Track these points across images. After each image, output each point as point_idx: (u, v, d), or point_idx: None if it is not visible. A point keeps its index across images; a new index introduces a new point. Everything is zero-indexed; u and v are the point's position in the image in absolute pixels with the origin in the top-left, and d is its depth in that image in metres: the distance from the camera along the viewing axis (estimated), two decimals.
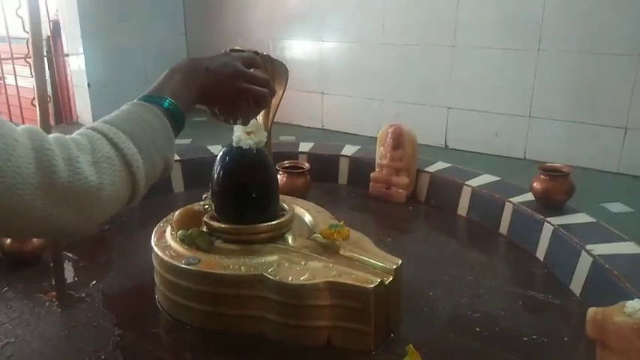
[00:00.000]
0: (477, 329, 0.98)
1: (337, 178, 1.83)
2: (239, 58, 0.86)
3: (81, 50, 3.40)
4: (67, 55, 3.54)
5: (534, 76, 2.50)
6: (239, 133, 1.04)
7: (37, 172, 0.51)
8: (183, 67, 0.79)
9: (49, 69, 3.53)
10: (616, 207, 1.90)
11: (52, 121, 3.68)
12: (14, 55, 3.30)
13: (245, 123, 0.93)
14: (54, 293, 1.09)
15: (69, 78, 3.59)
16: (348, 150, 1.86)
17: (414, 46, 2.85)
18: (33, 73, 1.18)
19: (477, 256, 1.30)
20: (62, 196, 0.53)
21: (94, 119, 2.64)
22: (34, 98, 3.47)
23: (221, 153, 1.06)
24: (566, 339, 0.95)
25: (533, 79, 2.49)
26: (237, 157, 1.04)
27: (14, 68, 3.32)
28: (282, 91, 1.08)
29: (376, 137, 1.62)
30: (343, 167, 1.82)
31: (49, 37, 3.56)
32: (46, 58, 3.74)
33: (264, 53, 1.04)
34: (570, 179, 1.30)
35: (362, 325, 0.90)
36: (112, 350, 0.92)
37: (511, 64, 2.56)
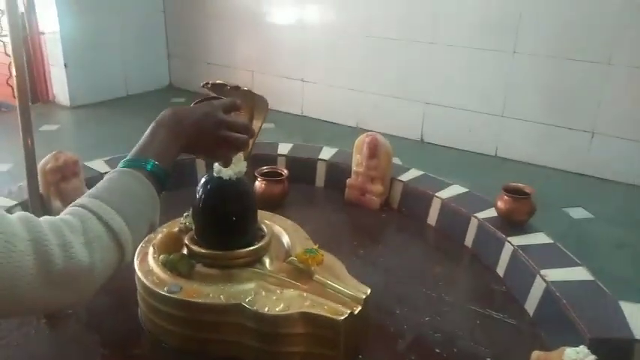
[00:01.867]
0: (437, 350, 1.07)
1: (315, 180, 1.88)
2: (220, 106, 0.90)
3: (57, 29, 3.33)
4: (43, 33, 3.47)
5: (508, 77, 2.57)
6: (219, 164, 1.08)
7: (35, 263, 0.56)
8: (167, 122, 0.83)
9: (24, 47, 3.42)
10: (577, 212, 2.00)
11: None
12: None
13: (226, 165, 0.98)
14: None
15: (45, 56, 3.52)
16: (326, 153, 1.91)
17: (393, 40, 2.88)
18: (10, 53, 1.18)
19: (442, 271, 1.39)
20: (59, 281, 0.58)
21: (71, 100, 2.68)
22: (9, 77, 3.42)
23: (203, 180, 1.11)
24: None
25: (506, 80, 2.57)
26: (218, 187, 1.09)
27: None
28: (260, 124, 1.13)
29: (354, 127, 1.66)
30: (320, 171, 1.87)
31: (22, 13, 3.46)
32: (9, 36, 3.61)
33: (245, 88, 1.08)
34: (532, 200, 1.38)
35: (332, 352, 0.98)
36: None
37: (487, 64, 2.62)
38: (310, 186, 1.87)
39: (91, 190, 0.71)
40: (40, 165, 1.46)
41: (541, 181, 1.34)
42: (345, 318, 0.96)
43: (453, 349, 1.08)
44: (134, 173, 0.75)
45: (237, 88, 1.07)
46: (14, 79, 1.16)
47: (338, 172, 1.82)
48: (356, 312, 0.99)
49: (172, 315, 1.02)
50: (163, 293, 1.01)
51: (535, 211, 1.39)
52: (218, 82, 1.08)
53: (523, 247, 1.30)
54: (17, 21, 1.18)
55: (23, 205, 1.45)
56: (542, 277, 1.18)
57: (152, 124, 0.83)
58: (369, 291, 1.03)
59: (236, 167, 1.09)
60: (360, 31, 3.00)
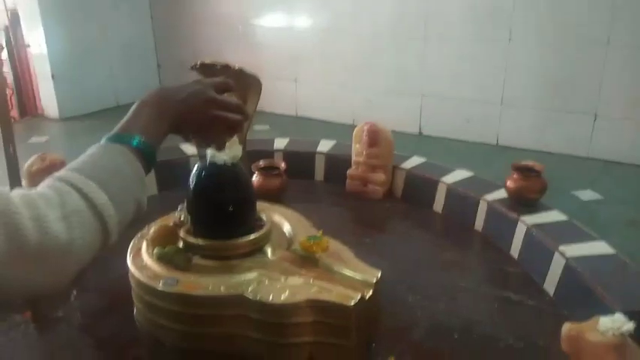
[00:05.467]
0: (456, 336, 1.00)
1: (313, 174, 1.82)
2: (211, 84, 0.84)
3: (43, 41, 3.27)
4: (29, 46, 3.40)
5: (505, 65, 2.52)
6: (212, 148, 1.02)
7: (5, 238, 0.49)
8: (153, 98, 0.77)
9: (10, 60, 3.39)
10: (586, 195, 1.95)
11: (16, 114, 3.57)
12: None
13: (219, 148, 0.92)
14: (29, 313, 1.06)
15: (31, 69, 3.45)
16: (324, 146, 1.85)
17: (385, 36, 2.83)
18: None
19: (453, 256, 1.32)
20: (34, 258, 0.51)
21: (60, 111, 2.59)
22: None
23: (195, 168, 1.04)
24: (540, 343, 0.98)
25: (504, 68, 2.52)
26: (212, 173, 1.02)
27: None
28: (254, 106, 1.07)
29: (350, 124, 1.61)
30: (319, 164, 1.81)
31: (7, 27, 3.39)
32: (5, 50, 3.60)
33: (236, 67, 1.02)
34: (543, 178, 1.32)
35: (344, 340, 0.91)
36: None
37: (482, 54, 2.57)
38: (309, 180, 1.81)
39: (70, 164, 0.65)
40: (25, 167, 1.39)
41: (546, 167, 1.28)
42: (356, 303, 0.89)
43: (472, 334, 1.01)
44: (119, 148, 0.68)
45: (227, 67, 1.01)
46: None
47: (337, 164, 1.76)
48: (367, 296, 0.92)
49: (170, 311, 0.95)
50: (159, 288, 0.94)
51: (546, 189, 1.33)
52: (207, 62, 1.02)
53: (538, 226, 1.24)
54: None
55: None
56: (561, 253, 1.11)
57: (136, 102, 0.77)
58: (379, 274, 0.97)
59: (231, 151, 1.02)
60: (351, 30, 2.96)
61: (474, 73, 2.63)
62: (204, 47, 3.59)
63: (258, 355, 0.93)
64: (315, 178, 1.82)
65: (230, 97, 0.92)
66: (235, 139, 1.05)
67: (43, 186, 0.59)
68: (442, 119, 2.74)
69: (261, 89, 1.07)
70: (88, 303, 1.12)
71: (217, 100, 0.83)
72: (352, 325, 0.90)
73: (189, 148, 1.81)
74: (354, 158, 1.68)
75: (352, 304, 0.89)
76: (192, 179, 1.03)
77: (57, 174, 0.62)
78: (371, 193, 1.64)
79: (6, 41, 3.31)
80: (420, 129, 2.81)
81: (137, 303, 1.02)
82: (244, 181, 1.05)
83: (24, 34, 3.47)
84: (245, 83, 1.05)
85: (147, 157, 0.71)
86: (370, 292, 0.93)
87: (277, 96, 3.22)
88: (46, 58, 3.36)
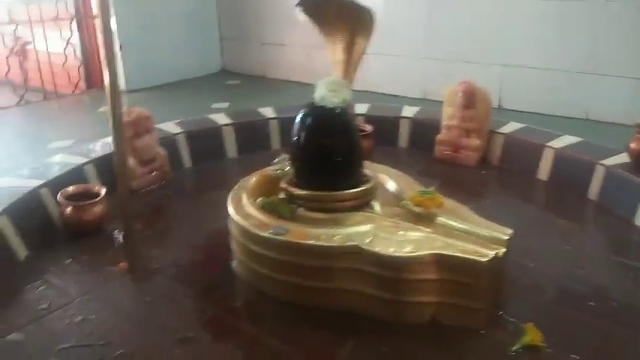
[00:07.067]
0: (591, 304, 0.89)
1: (397, 140, 1.72)
2: None
3: (112, 11, 3.28)
4: (96, 17, 3.40)
5: (600, 29, 2.28)
6: (322, 91, 0.94)
7: None
8: None
9: (78, 31, 3.44)
10: None
11: (83, 86, 3.64)
12: (43, 18, 3.22)
13: None
14: (124, 264, 1.02)
15: (99, 41, 3.46)
16: (408, 111, 1.74)
17: None
18: (100, 33, 1.12)
19: (567, 224, 1.20)
20: None
21: (126, 83, 2.53)
22: (65, 62, 3.36)
23: (301, 114, 0.96)
24: None
25: (598, 33, 2.28)
26: (320, 118, 0.94)
27: (44, 32, 3.24)
28: (366, 41, 0.98)
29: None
30: (404, 129, 1.71)
31: None
32: (75, 20, 3.64)
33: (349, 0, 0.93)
34: None
35: (472, 302, 0.82)
36: (200, 327, 0.85)
37: (573, 17, 2.34)
38: (393, 147, 1.71)
39: None
40: None
41: None
42: (490, 260, 0.80)
43: (609, 302, 0.90)
44: None
45: None
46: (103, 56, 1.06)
47: (424, 129, 1.65)
48: (500, 254, 0.82)
49: (277, 260, 0.88)
50: (268, 236, 0.87)
51: None
52: None
53: None
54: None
55: (95, 163, 1.35)
56: None
57: None
58: (511, 232, 0.87)
59: (340, 94, 0.94)
60: None
61: (562, 39, 2.41)
62: (267, 20, 3.51)
63: (372, 314, 0.85)
64: (398, 144, 1.72)
65: None
66: (344, 81, 0.97)
67: None
68: (525, 91, 2.54)
69: (373, 23, 0.98)
70: (183, 256, 1.07)
71: None
72: (482, 285, 0.80)
73: (268, 111, 1.74)
74: (444, 122, 1.56)
75: (486, 260, 0.79)
76: (297, 125, 0.96)
77: None
78: (463, 160, 1.53)
79: (75, 12, 3.33)
80: (499, 102, 2.62)
81: (239, 253, 0.96)
82: (353, 128, 0.97)
83: (92, 4, 3.49)
84: (355, 17, 0.96)
85: None
86: (503, 250, 0.83)
87: None
88: (115, 30, 3.37)
